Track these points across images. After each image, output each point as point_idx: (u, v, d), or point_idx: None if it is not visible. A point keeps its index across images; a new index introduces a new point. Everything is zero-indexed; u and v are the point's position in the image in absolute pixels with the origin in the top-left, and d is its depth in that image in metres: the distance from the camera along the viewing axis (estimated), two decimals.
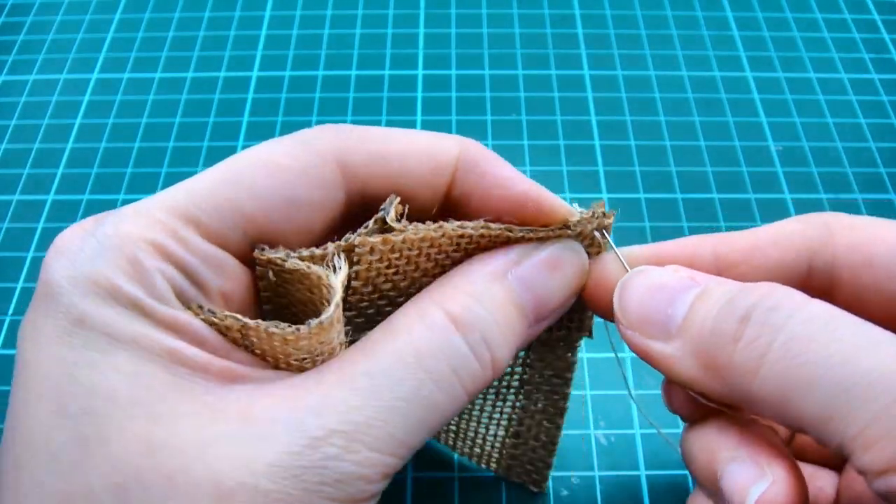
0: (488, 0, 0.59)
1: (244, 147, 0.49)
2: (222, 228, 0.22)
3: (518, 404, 0.30)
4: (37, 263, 0.44)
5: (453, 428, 0.32)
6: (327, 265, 0.23)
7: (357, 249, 0.23)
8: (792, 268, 0.24)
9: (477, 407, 0.31)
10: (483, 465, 0.33)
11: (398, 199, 0.24)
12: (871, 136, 0.50)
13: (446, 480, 0.36)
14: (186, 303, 0.21)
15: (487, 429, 0.31)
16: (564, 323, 0.27)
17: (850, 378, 0.18)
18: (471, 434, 0.32)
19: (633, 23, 0.57)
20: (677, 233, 0.45)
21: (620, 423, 0.38)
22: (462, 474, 0.36)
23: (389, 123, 0.51)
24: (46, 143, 0.50)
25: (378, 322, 0.24)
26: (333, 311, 0.21)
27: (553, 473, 0.35)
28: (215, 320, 0.21)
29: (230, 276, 0.23)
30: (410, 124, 0.51)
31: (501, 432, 0.31)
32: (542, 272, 0.24)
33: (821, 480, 0.28)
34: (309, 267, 0.22)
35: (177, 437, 0.19)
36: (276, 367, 0.22)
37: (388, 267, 0.24)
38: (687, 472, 0.37)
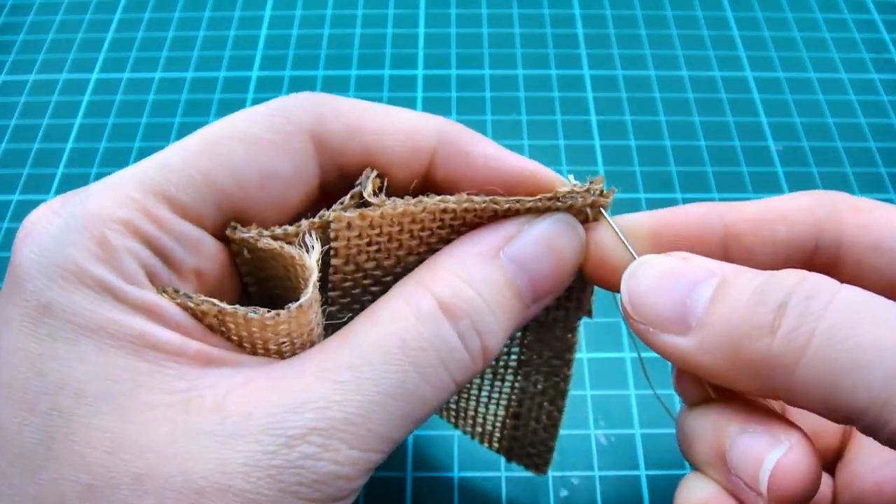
0: (488, 0, 0.59)
1: None
2: (196, 203, 0.21)
3: (517, 385, 0.29)
4: None
5: (453, 406, 0.32)
6: (300, 244, 0.22)
7: (333, 226, 0.22)
8: (800, 244, 0.23)
9: (475, 386, 0.30)
10: (485, 445, 0.33)
11: (375, 172, 0.23)
12: (871, 136, 0.50)
13: (446, 480, 0.36)
14: (160, 285, 0.20)
15: (487, 408, 0.31)
16: (562, 303, 0.26)
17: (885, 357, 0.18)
18: (471, 413, 0.31)
19: (633, 23, 0.57)
20: None
21: (620, 423, 0.38)
22: (462, 474, 0.36)
23: None
24: (46, 143, 0.50)
25: (365, 302, 0.24)
26: (312, 292, 0.21)
27: (553, 473, 0.35)
28: (191, 304, 0.20)
29: (205, 253, 0.22)
30: None
31: (501, 412, 0.31)
32: (537, 250, 0.23)
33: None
34: (282, 247, 0.22)
35: (147, 434, 0.18)
36: (254, 352, 0.22)
37: (368, 244, 0.23)
38: (687, 472, 0.37)
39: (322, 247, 0.22)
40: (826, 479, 0.28)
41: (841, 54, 0.55)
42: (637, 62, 0.54)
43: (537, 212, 0.24)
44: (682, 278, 0.21)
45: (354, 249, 0.23)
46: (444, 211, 0.23)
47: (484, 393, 0.30)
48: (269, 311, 0.21)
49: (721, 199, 0.47)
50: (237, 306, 0.21)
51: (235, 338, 0.21)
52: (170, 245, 0.21)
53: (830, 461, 0.28)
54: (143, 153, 0.49)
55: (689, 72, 0.54)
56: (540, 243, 0.23)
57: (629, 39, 0.56)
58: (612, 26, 0.57)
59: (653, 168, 0.48)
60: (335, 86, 0.53)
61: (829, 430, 0.28)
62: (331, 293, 0.24)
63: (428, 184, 0.24)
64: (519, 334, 0.28)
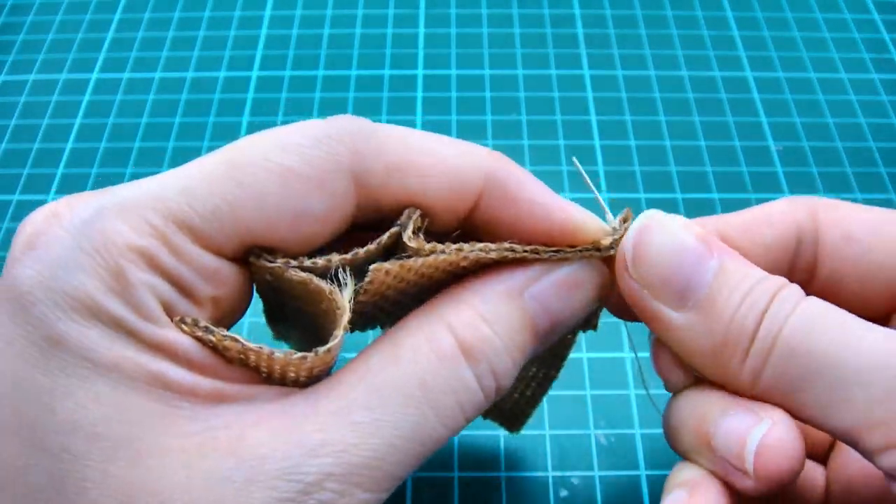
0: (488, 0, 0.59)
1: None
2: (220, 236, 0.20)
3: None
4: None
5: None
6: (331, 279, 0.21)
7: (369, 276, 0.21)
8: (784, 243, 0.24)
9: None
10: None
11: (418, 212, 0.22)
12: (871, 136, 0.50)
13: (446, 480, 0.36)
14: (179, 318, 0.20)
15: None
16: None
17: (845, 368, 0.19)
18: None
19: (633, 23, 0.57)
20: None
21: (620, 423, 0.38)
22: (462, 474, 0.36)
23: (389, 123, 0.51)
24: (46, 143, 0.50)
25: (378, 321, 0.24)
26: (342, 335, 0.20)
27: (553, 473, 0.35)
28: (213, 339, 0.20)
29: (223, 281, 0.21)
30: (410, 124, 0.50)
31: None
32: (562, 291, 0.23)
33: (810, 469, 0.28)
34: (311, 279, 0.21)
35: (162, 481, 0.17)
36: (270, 377, 0.21)
37: (397, 282, 0.23)
38: None
39: (355, 284, 0.21)
40: (819, 468, 0.28)
41: (841, 54, 0.55)
42: (637, 62, 0.54)
43: (569, 260, 0.23)
44: (689, 251, 0.21)
45: (384, 287, 0.23)
46: (478, 261, 0.23)
47: None
48: (295, 354, 0.20)
49: (721, 199, 0.47)
50: (262, 346, 0.20)
51: (254, 366, 0.21)
52: (188, 277, 0.20)
53: (824, 452, 0.28)
54: (143, 153, 0.50)
55: (689, 72, 0.54)
56: (565, 285, 0.23)
57: (629, 39, 0.56)
58: (612, 26, 0.57)
59: (653, 168, 0.48)
60: (335, 86, 0.53)
61: None
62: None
63: (468, 222, 0.24)
64: None
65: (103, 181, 0.48)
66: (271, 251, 0.21)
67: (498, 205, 0.23)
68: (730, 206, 0.46)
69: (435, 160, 0.22)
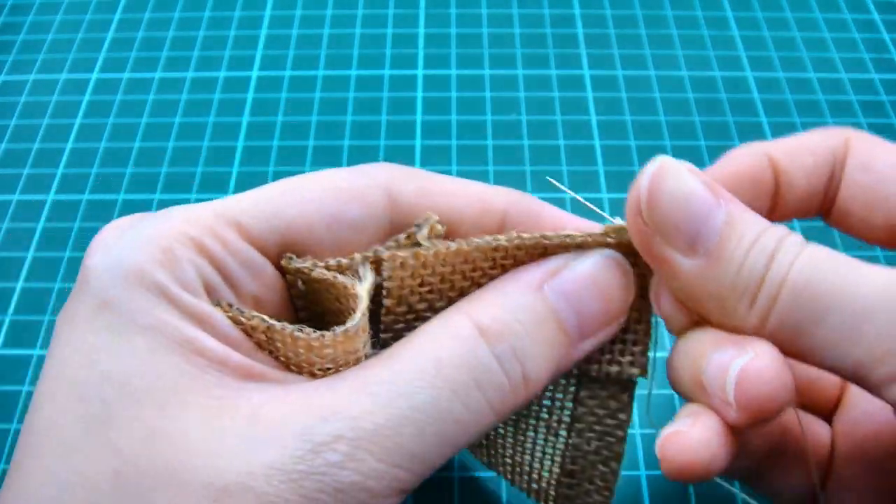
0: (488, 0, 0.59)
1: (245, 147, 0.49)
2: (263, 232, 0.22)
3: (571, 442, 0.29)
4: (37, 263, 0.44)
5: (508, 461, 0.31)
6: (353, 275, 0.22)
7: (385, 264, 0.22)
8: (821, 171, 0.25)
9: (529, 440, 0.29)
10: (540, 502, 0.32)
11: (436, 217, 0.23)
12: None
13: (446, 480, 0.36)
14: (217, 300, 0.21)
15: (542, 463, 0.30)
16: (615, 356, 0.26)
17: (852, 304, 0.19)
18: (526, 468, 0.30)
19: (633, 23, 0.57)
20: None
21: None
22: (462, 474, 0.36)
23: (389, 123, 0.51)
24: (46, 143, 0.50)
25: None
26: (359, 319, 0.21)
27: None
28: (242, 319, 0.21)
29: (265, 280, 0.23)
30: (410, 124, 0.51)
31: (556, 469, 0.29)
32: (582, 284, 0.23)
33: (816, 426, 0.28)
34: (335, 277, 0.22)
35: (181, 429, 0.19)
36: (299, 372, 0.22)
37: (421, 285, 0.23)
38: None
39: (375, 280, 0.22)
40: (824, 426, 0.28)
41: (841, 54, 0.55)
42: (637, 62, 0.54)
43: (587, 248, 0.23)
44: (700, 199, 0.22)
45: (407, 290, 0.23)
46: (496, 249, 0.23)
47: (539, 447, 0.29)
48: (314, 332, 0.21)
49: None
50: (285, 324, 0.21)
51: (282, 357, 0.22)
52: (232, 266, 0.22)
53: (830, 410, 0.29)
54: (143, 153, 0.50)
55: (689, 72, 0.54)
56: (585, 277, 0.23)
57: (629, 39, 0.56)
58: (612, 26, 0.57)
59: None
60: (335, 85, 0.53)
61: (828, 379, 0.28)
62: (382, 335, 0.24)
63: None
64: (573, 388, 0.28)
65: (103, 181, 0.48)
66: (302, 256, 0.23)
67: (523, 224, 0.24)
68: None
69: (462, 186, 0.25)
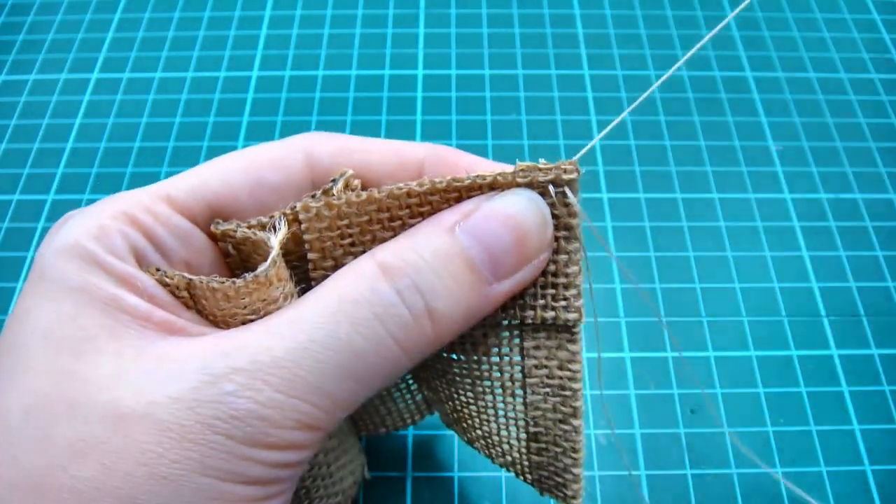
0: (488, 0, 0.59)
1: (244, 147, 0.49)
2: (189, 202, 0.24)
3: (528, 400, 0.28)
4: None
5: (479, 433, 0.31)
6: (270, 229, 0.24)
7: (301, 216, 0.23)
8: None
9: (490, 404, 0.29)
10: (519, 476, 0.32)
11: (350, 172, 0.25)
12: (871, 137, 0.50)
13: (446, 480, 0.36)
14: (147, 266, 0.23)
15: (508, 430, 0.30)
16: (549, 302, 0.25)
17: None
18: (495, 438, 0.30)
19: (633, 23, 0.57)
20: (678, 233, 0.45)
21: (620, 423, 0.38)
22: (462, 474, 0.36)
23: (389, 123, 0.51)
24: (46, 143, 0.50)
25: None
26: (269, 265, 0.23)
27: None
28: (167, 280, 0.23)
29: (196, 248, 0.24)
30: (410, 124, 0.51)
31: (523, 434, 0.29)
32: (492, 222, 0.22)
33: None
34: (255, 234, 0.24)
35: (92, 371, 0.20)
36: (221, 324, 0.23)
37: (341, 237, 0.24)
38: (687, 472, 0.37)
39: (287, 231, 0.24)
40: None
41: (841, 54, 0.55)
42: (637, 62, 0.54)
43: (501, 188, 0.23)
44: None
45: (329, 243, 0.24)
46: (409, 195, 0.23)
47: (501, 412, 0.29)
48: (228, 280, 0.23)
49: (721, 199, 0.47)
50: (202, 277, 0.23)
51: (210, 316, 0.23)
52: (162, 234, 0.24)
53: None
54: (143, 153, 0.50)
55: (689, 72, 0.54)
56: (496, 215, 0.23)
57: (629, 39, 0.56)
58: (612, 26, 0.57)
59: (653, 168, 0.48)
60: (335, 85, 0.53)
61: None
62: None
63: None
64: (517, 341, 0.27)
65: (103, 181, 0.48)
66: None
67: (440, 173, 0.25)
68: (730, 206, 0.46)
69: (380, 143, 0.26)
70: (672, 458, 0.37)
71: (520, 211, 0.23)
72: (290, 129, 0.50)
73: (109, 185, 0.48)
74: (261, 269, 0.22)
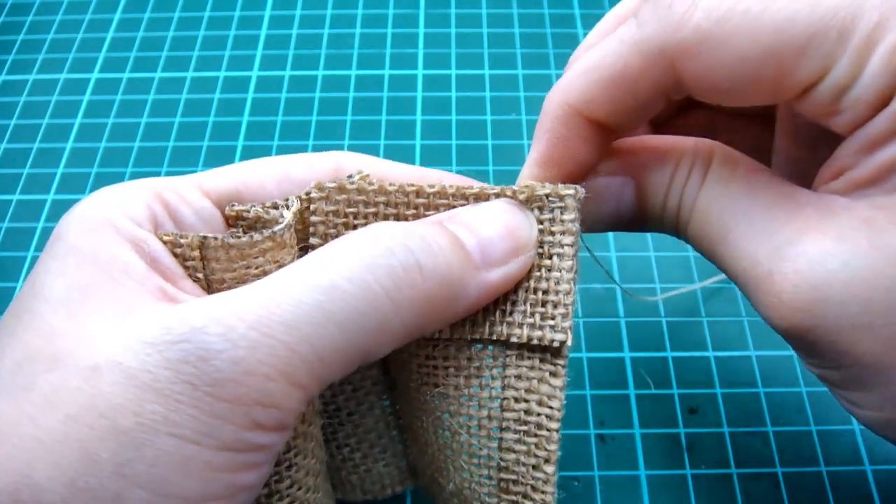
0: (488, 0, 0.59)
1: (244, 147, 0.49)
2: (219, 187, 0.25)
3: (503, 437, 0.27)
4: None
5: (453, 486, 0.29)
6: (283, 208, 0.25)
7: (313, 195, 0.25)
8: (651, 96, 0.26)
9: (465, 445, 0.27)
10: None
11: (367, 172, 0.26)
12: None
13: None
14: (161, 232, 0.24)
15: (480, 481, 0.28)
16: (538, 321, 0.25)
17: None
18: (467, 492, 0.28)
19: None
20: None
21: (620, 423, 0.38)
22: None
23: (389, 123, 0.51)
24: (46, 143, 0.50)
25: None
26: (284, 226, 0.24)
27: None
28: (181, 241, 0.23)
29: (214, 228, 0.25)
30: (410, 124, 0.51)
31: (494, 485, 0.27)
32: (481, 216, 0.24)
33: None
34: (268, 212, 0.24)
35: (80, 328, 0.20)
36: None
37: (345, 226, 0.25)
38: (686, 472, 0.37)
39: (301, 206, 0.25)
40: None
41: None
42: None
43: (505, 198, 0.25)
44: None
45: (333, 230, 0.25)
46: (419, 194, 0.24)
47: (475, 456, 0.27)
48: (245, 235, 0.23)
49: None
50: (216, 234, 0.24)
51: (217, 280, 0.24)
52: (184, 211, 0.25)
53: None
54: (143, 153, 0.50)
55: None
56: (483, 211, 0.25)
57: None
58: None
59: None
60: (335, 85, 0.53)
61: None
62: None
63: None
64: (499, 370, 0.26)
65: (103, 181, 0.48)
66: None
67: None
68: None
69: (402, 168, 0.27)
70: (672, 458, 0.37)
71: (508, 209, 0.25)
72: (290, 129, 0.50)
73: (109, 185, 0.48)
74: (277, 227, 0.23)
